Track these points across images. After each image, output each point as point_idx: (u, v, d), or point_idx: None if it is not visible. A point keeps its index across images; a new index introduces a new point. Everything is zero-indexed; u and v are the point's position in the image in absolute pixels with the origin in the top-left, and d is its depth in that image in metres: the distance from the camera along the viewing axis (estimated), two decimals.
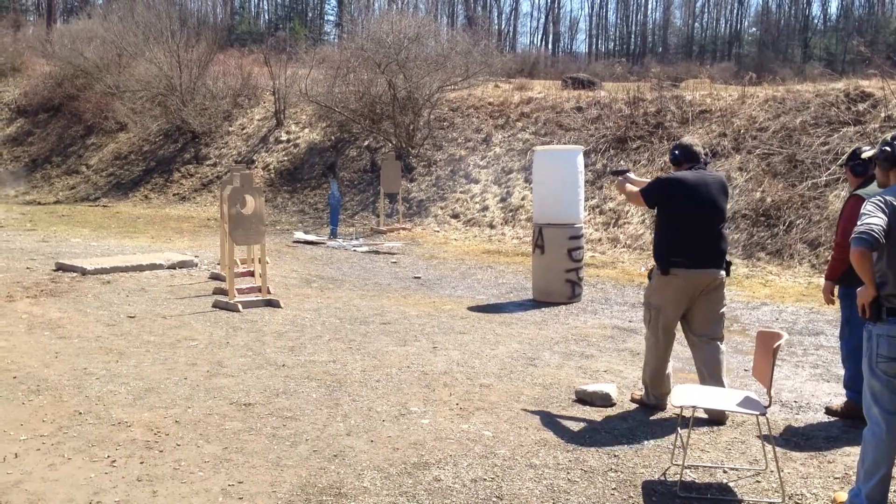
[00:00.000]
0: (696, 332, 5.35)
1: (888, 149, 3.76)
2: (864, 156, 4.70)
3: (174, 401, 5.41)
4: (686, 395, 4.37)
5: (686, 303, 5.29)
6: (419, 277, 10.83)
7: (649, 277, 5.52)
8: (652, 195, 5.41)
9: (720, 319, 5.36)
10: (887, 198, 3.63)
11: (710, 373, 5.26)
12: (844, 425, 5.16)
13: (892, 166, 3.76)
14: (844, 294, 5.27)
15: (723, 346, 5.36)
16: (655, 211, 5.53)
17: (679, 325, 5.43)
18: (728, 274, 5.38)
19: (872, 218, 3.56)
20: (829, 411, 5.42)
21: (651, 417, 5.27)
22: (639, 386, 5.90)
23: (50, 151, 24.76)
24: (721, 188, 5.39)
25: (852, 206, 5.10)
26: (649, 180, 5.67)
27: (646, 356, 5.50)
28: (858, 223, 3.58)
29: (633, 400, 5.59)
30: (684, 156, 5.44)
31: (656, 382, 5.42)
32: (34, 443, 4.59)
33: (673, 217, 5.29)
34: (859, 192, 5.16)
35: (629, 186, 5.79)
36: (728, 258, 5.41)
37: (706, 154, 5.60)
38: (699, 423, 5.06)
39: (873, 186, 4.92)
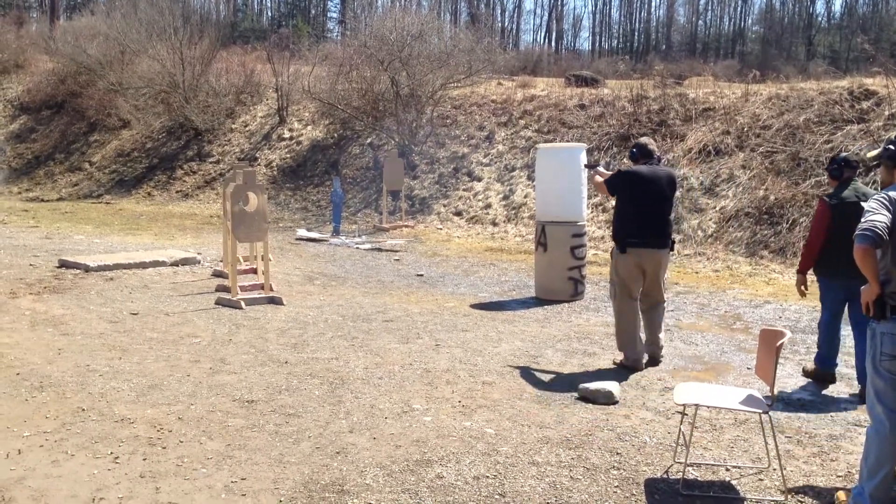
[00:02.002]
0: (645, 297, 6.44)
1: (892, 147, 3.77)
2: (869, 155, 4.73)
3: (177, 397, 5.42)
4: (688, 393, 4.37)
5: (640, 274, 6.34)
6: (422, 275, 10.83)
7: (612, 257, 6.52)
8: (613, 185, 6.46)
9: (662, 286, 6.50)
10: (891, 195, 3.63)
11: (653, 330, 6.47)
12: (847, 422, 5.16)
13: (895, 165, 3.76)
14: (819, 281, 6.02)
15: (664, 306, 6.58)
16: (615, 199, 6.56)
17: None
18: (672, 250, 6.50)
19: (876, 215, 3.56)
20: (804, 372, 6.22)
21: (652, 416, 5.28)
22: (641, 383, 5.98)
23: (53, 148, 24.78)
24: (670, 181, 6.40)
25: (819, 209, 5.95)
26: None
27: (616, 326, 6.50)
28: (862, 220, 3.58)
29: (614, 363, 6.45)
30: (640, 153, 6.47)
31: (630, 347, 6.37)
32: (37, 439, 4.60)
33: (629, 204, 6.33)
34: (827, 196, 5.95)
35: (597, 178, 6.75)
36: (673, 238, 6.50)
37: (659, 153, 6.67)
38: (702, 421, 5.06)
39: (847, 192, 5.84)
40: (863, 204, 5.21)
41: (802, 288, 6.03)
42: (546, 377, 6.11)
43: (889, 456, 3.67)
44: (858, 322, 5.74)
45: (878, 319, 3.67)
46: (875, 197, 3.68)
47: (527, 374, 6.19)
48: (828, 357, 6.09)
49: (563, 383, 5.94)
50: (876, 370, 3.69)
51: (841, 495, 3.98)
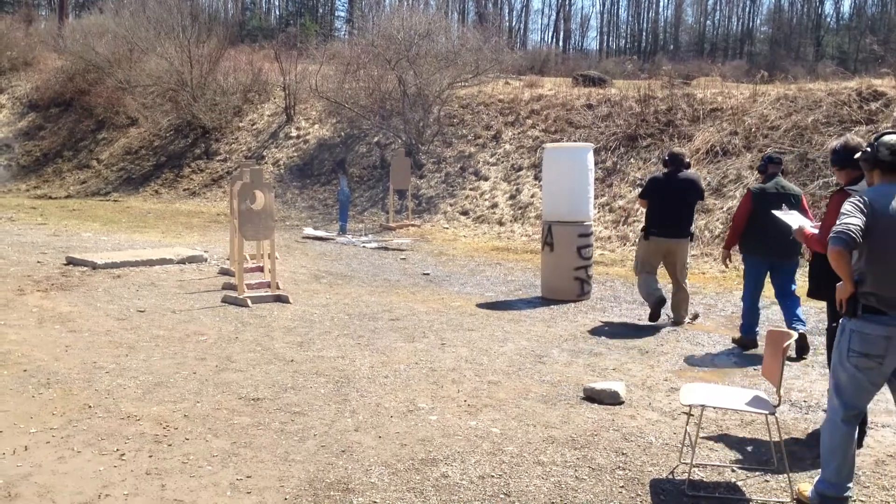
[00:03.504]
0: (670, 277, 8.07)
1: (869, 150, 3.87)
2: (855, 157, 4.90)
3: (183, 395, 5.43)
4: (695, 393, 4.36)
5: (659, 257, 7.99)
6: (428, 274, 10.83)
7: (639, 241, 8.29)
8: (644, 189, 8.09)
9: (684, 270, 8.03)
10: (867, 198, 3.75)
11: (677, 307, 8.01)
12: None
13: (872, 167, 3.87)
14: (744, 259, 7.23)
15: (686, 287, 8.07)
16: None
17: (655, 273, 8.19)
18: (692, 240, 8.28)
19: (851, 218, 3.68)
20: (734, 340, 7.30)
21: (658, 416, 5.27)
22: (647, 383, 6.00)
23: (61, 146, 24.85)
24: (691, 184, 7.86)
25: (745, 196, 7.14)
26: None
27: (639, 288, 8.24)
28: (838, 222, 3.71)
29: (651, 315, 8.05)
30: (671, 160, 7.97)
31: (648, 298, 8.04)
32: (44, 436, 4.62)
33: (655, 202, 7.90)
34: (752, 186, 7.20)
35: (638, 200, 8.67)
36: (693, 230, 8.19)
37: (688, 159, 8.23)
38: (708, 422, 5.05)
39: (770, 184, 6.95)
40: (788, 196, 6.80)
41: (727, 261, 7.38)
42: (552, 377, 6.10)
43: (841, 444, 3.83)
44: (779, 290, 7.09)
45: (849, 317, 3.81)
46: (851, 199, 3.79)
47: (532, 373, 6.18)
48: (750, 326, 7.11)
49: (569, 383, 5.93)
50: (842, 364, 3.84)
51: (802, 488, 4.06)
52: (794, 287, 7.03)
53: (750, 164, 13.29)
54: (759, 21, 61.37)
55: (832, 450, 3.85)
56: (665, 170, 7.97)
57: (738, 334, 7.31)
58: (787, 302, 7.00)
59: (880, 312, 3.71)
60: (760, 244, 6.88)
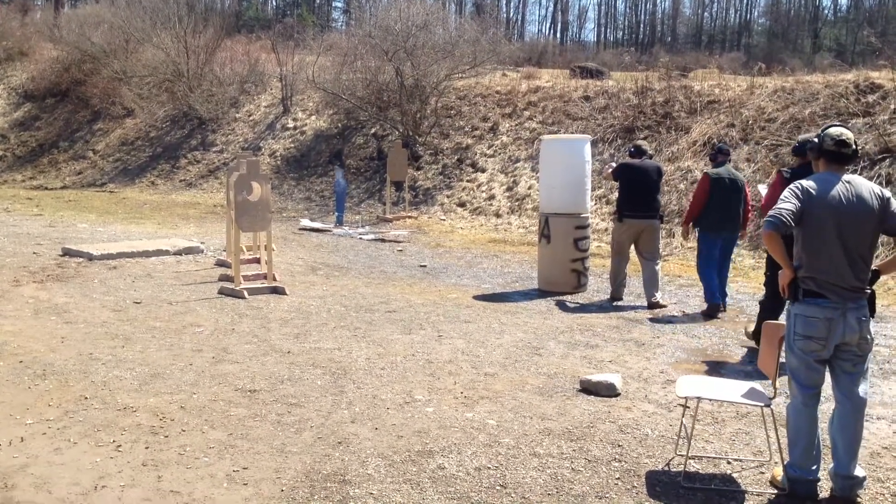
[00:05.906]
0: (642, 254, 8.69)
1: (815, 140, 4.07)
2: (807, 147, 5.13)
3: (179, 386, 5.43)
4: (691, 386, 4.37)
5: (633, 237, 8.67)
6: (425, 266, 10.82)
7: (613, 224, 9.02)
8: (616, 172, 8.88)
9: (655, 248, 8.70)
10: (805, 184, 3.92)
11: (648, 281, 8.57)
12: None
13: (818, 156, 4.05)
14: (698, 235, 8.30)
15: (658, 265, 8.67)
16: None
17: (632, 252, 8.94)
18: (662, 222, 8.99)
19: (785, 203, 3.86)
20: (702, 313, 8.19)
21: (654, 408, 5.27)
22: (643, 375, 6.00)
23: (57, 136, 24.75)
24: (656, 170, 8.83)
25: (702, 179, 8.27)
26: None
27: (611, 268, 8.97)
28: (774, 207, 3.90)
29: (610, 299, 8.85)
30: (636, 150, 8.91)
31: (614, 284, 8.87)
32: (40, 427, 4.62)
33: (624, 186, 8.69)
34: (710, 171, 8.23)
35: (608, 170, 9.24)
36: (661, 213, 8.97)
37: (651, 151, 9.47)
38: (704, 413, 5.06)
39: (722, 171, 8.14)
40: (737, 181, 8.11)
41: (687, 236, 8.76)
42: (548, 369, 6.11)
43: (805, 427, 3.96)
44: (722, 258, 8.21)
45: (791, 301, 3.95)
46: (791, 186, 3.97)
47: (529, 365, 6.19)
48: (711, 294, 8.08)
49: (566, 375, 5.94)
50: (791, 349, 3.98)
51: (776, 472, 4.14)
52: (731, 256, 8.47)
53: (747, 156, 13.29)
54: (756, 13, 61.46)
55: (797, 433, 3.98)
56: (633, 160, 8.84)
57: (733, 328, 7.59)
58: (724, 272, 8.25)
59: (820, 296, 3.85)
60: (714, 222, 8.06)
